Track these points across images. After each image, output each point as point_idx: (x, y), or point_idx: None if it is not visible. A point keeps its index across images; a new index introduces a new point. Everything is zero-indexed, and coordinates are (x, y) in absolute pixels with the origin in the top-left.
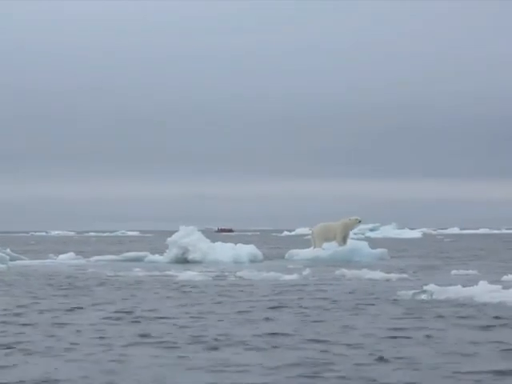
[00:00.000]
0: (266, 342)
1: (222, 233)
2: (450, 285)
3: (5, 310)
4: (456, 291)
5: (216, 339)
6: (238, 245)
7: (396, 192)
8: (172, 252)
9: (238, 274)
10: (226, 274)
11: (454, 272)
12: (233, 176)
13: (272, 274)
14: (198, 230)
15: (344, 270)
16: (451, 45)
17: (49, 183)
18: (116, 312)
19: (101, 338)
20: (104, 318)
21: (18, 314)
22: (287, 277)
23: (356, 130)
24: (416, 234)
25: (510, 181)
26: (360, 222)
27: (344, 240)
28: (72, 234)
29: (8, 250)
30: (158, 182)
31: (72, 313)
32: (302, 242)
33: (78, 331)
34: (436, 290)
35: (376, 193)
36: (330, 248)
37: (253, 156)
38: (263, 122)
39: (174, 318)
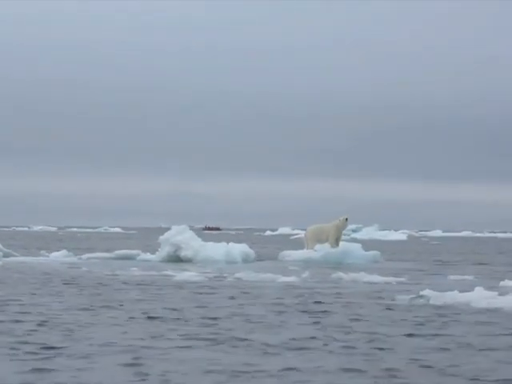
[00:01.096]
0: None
1: (209, 231)
2: (448, 290)
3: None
4: (453, 296)
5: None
6: (230, 243)
7: (376, 193)
8: (164, 250)
9: (237, 275)
10: (225, 274)
11: (451, 277)
12: (216, 174)
13: (270, 275)
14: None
15: (341, 273)
16: (451, 45)
17: (30, 178)
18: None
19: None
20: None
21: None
22: (286, 279)
23: (342, 131)
24: (401, 236)
25: (494, 184)
26: (347, 219)
27: (337, 242)
28: (54, 229)
29: (0, 246)
30: (140, 179)
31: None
32: (289, 242)
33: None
34: (433, 296)
35: (357, 193)
36: (322, 249)
37: (239, 154)
38: (250, 120)
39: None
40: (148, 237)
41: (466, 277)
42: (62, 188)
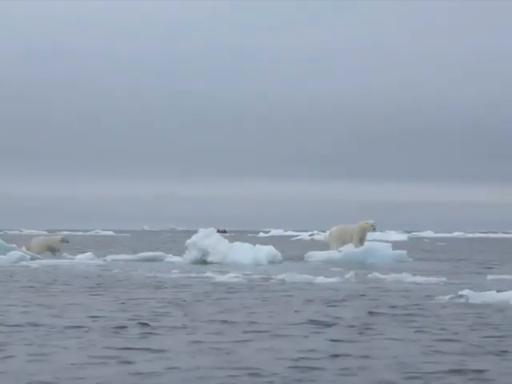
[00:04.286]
0: None
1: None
2: (489, 289)
3: None
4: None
5: None
6: (256, 245)
7: (362, 195)
8: (192, 254)
9: (280, 276)
10: (268, 276)
11: (490, 277)
12: (200, 177)
13: (311, 276)
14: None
15: (378, 274)
16: (450, 46)
17: (16, 180)
18: None
19: None
20: None
21: None
22: (329, 280)
23: (334, 133)
24: (401, 236)
25: (479, 185)
26: (373, 226)
27: (361, 242)
28: (44, 232)
29: (24, 249)
30: (127, 182)
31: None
32: (294, 243)
33: None
34: (472, 295)
35: (343, 195)
36: (345, 249)
37: (223, 157)
38: (238, 124)
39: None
40: (143, 239)
41: (504, 276)
42: (48, 191)
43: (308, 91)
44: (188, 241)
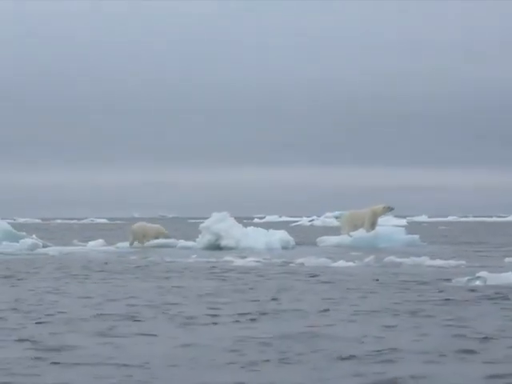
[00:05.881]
0: None
1: None
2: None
3: None
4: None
5: None
6: (270, 230)
7: (355, 180)
8: (205, 238)
9: (298, 260)
10: (286, 260)
11: (507, 260)
12: (189, 164)
13: (329, 260)
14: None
15: (394, 257)
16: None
17: (10, 169)
18: None
19: None
20: None
21: None
22: (349, 264)
23: (324, 119)
24: (401, 221)
25: (469, 168)
26: (389, 207)
27: (372, 226)
28: (38, 221)
29: (34, 236)
30: (117, 169)
31: None
32: (289, 229)
33: None
34: (489, 277)
35: (336, 180)
36: (355, 234)
37: (213, 144)
38: (231, 110)
39: None
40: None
41: None
42: (40, 179)
43: (306, 77)
44: (201, 225)
